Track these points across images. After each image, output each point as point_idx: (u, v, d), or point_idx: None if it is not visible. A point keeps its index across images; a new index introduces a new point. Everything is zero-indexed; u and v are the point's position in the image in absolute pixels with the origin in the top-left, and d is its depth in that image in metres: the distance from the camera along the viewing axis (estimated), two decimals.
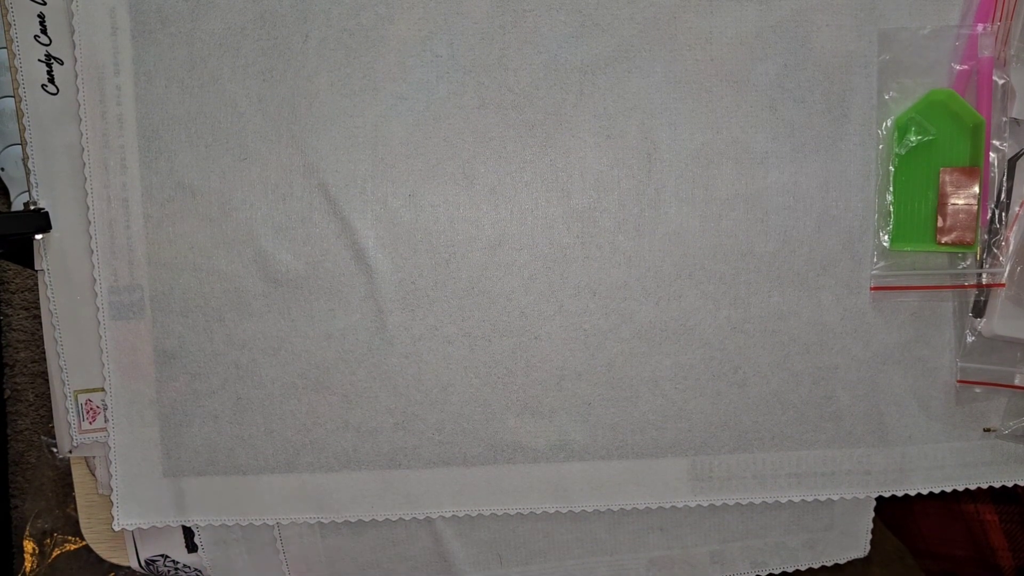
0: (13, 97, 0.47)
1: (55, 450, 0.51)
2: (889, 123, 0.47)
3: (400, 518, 0.49)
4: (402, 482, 0.49)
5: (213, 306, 0.47)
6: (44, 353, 0.49)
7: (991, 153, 0.46)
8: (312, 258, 0.47)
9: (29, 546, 0.57)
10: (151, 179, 0.47)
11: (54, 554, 0.57)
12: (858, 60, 0.47)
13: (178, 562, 0.51)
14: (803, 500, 0.49)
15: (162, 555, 0.51)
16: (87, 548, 0.52)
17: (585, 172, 0.47)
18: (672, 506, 0.49)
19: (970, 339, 0.48)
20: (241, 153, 0.47)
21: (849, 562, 0.51)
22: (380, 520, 0.49)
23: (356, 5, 0.46)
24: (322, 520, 0.49)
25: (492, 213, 0.47)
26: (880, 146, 0.47)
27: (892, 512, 0.53)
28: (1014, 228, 0.46)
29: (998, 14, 0.46)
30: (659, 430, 0.48)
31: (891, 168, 0.47)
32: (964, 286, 0.47)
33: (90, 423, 0.49)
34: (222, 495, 0.49)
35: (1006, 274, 0.46)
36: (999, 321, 0.47)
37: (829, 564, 0.51)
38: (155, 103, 0.46)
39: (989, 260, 0.47)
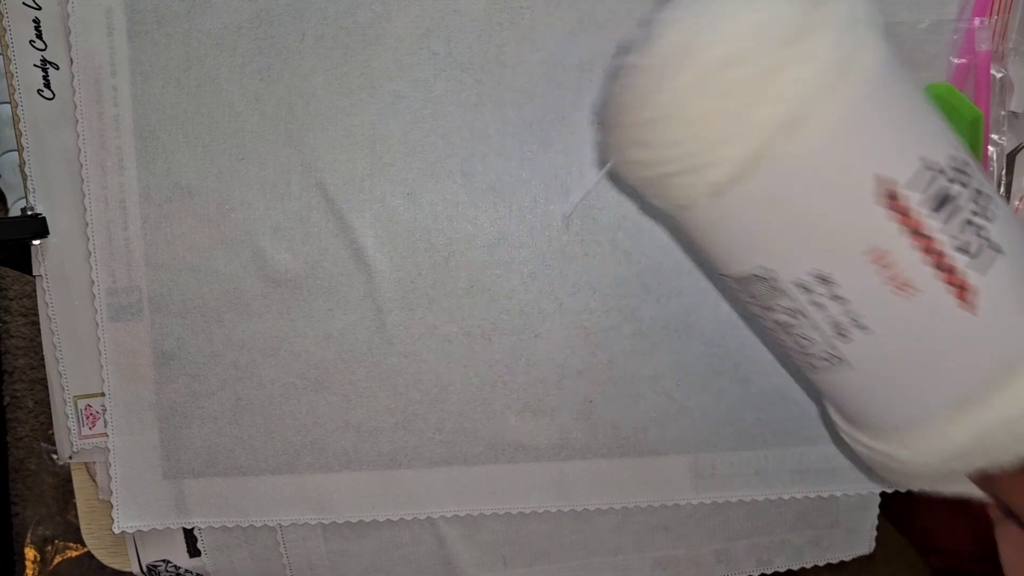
0: (9, 103, 0.47)
1: (55, 456, 0.50)
2: None
3: (402, 519, 0.49)
4: (403, 482, 0.49)
5: (212, 307, 0.47)
6: (43, 359, 0.49)
7: (990, 147, 0.46)
8: (311, 257, 0.47)
9: (30, 553, 0.57)
10: (148, 180, 0.47)
11: (55, 561, 0.57)
12: None
13: (180, 567, 0.51)
14: (806, 497, 0.49)
15: (164, 560, 0.50)
16: (88, 555, 0.52)
17: (584, 169, 0.47)
18: (675, 504, 0.49)
19: None
20: (238, 153, 0.46)
21: (854, 559, 0.51)
22: (382, 521, 0.49)
23: (353, 3, 0.46)
24: (323, 521, 0.49)
25: (491, 211, 0.47)
26: None
27: (896, 509, 0.52)
28: None
29: (996, 8, 0.46)
30: (661, 427, 0.48)
31: None
32: None
33: (90, 428, 0.49)
34: (222, 496, 0.49)
35: None
36: None
37: (835, 561, 0.51)
38: (152, 103, 0.46)
39: None
